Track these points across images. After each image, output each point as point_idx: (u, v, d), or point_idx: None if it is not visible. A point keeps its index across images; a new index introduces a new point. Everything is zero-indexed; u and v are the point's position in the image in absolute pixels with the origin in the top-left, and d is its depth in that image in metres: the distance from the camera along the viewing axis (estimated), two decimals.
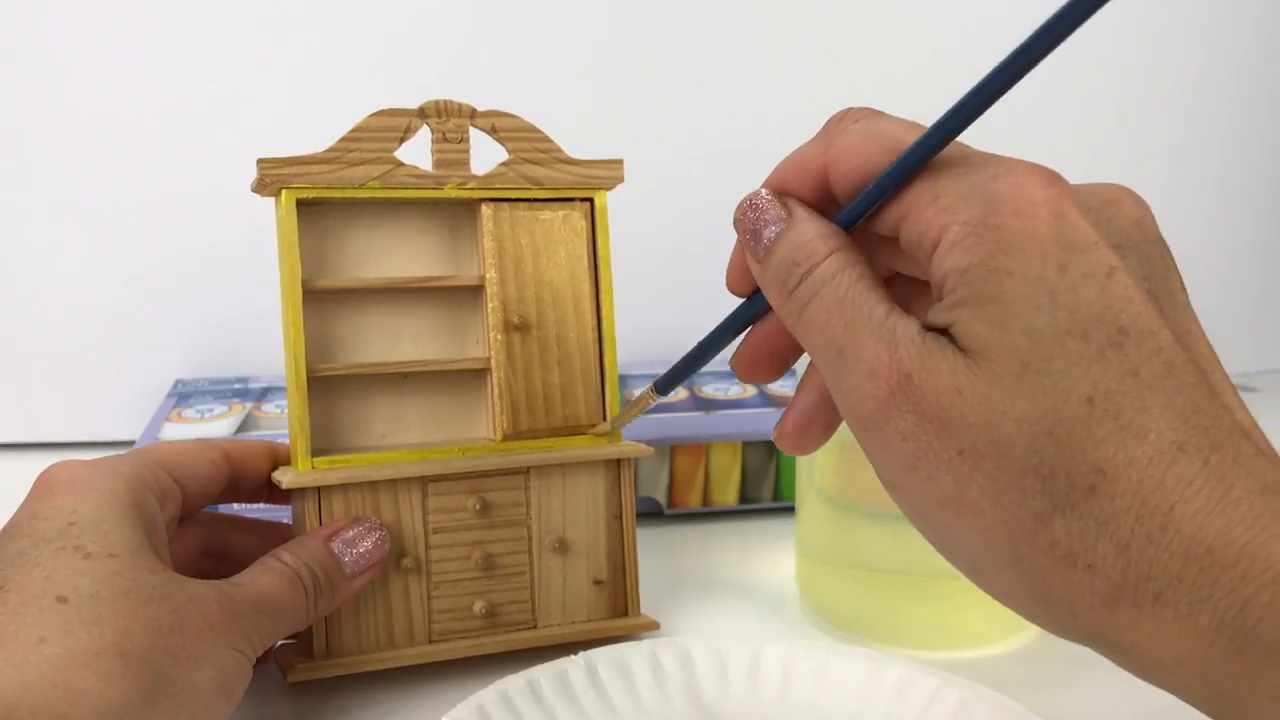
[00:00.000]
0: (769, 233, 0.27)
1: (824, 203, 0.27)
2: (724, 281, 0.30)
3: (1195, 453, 0.21)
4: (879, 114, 0.27)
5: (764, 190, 0.27)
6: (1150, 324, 0.22)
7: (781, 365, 0.30)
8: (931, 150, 0.24)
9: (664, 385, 0.35)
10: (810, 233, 0.26)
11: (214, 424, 0.60)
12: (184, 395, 0.65)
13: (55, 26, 0.70)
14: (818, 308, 0.25)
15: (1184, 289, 0.25)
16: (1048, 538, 0.22)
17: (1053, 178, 0.24)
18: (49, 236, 0.72)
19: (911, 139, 0.25)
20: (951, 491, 0.23)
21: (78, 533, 0.30)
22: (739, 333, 0.30)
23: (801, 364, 0.31)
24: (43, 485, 0.33)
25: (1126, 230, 0.24)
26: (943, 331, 0.24)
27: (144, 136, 0.71)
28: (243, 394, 0.65)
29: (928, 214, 0.24)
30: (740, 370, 0.30)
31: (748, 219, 0.27)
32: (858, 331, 0.24)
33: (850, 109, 0.27)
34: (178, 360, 0.73)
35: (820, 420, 0.29)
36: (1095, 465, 0.22)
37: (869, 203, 0.26)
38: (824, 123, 0.28)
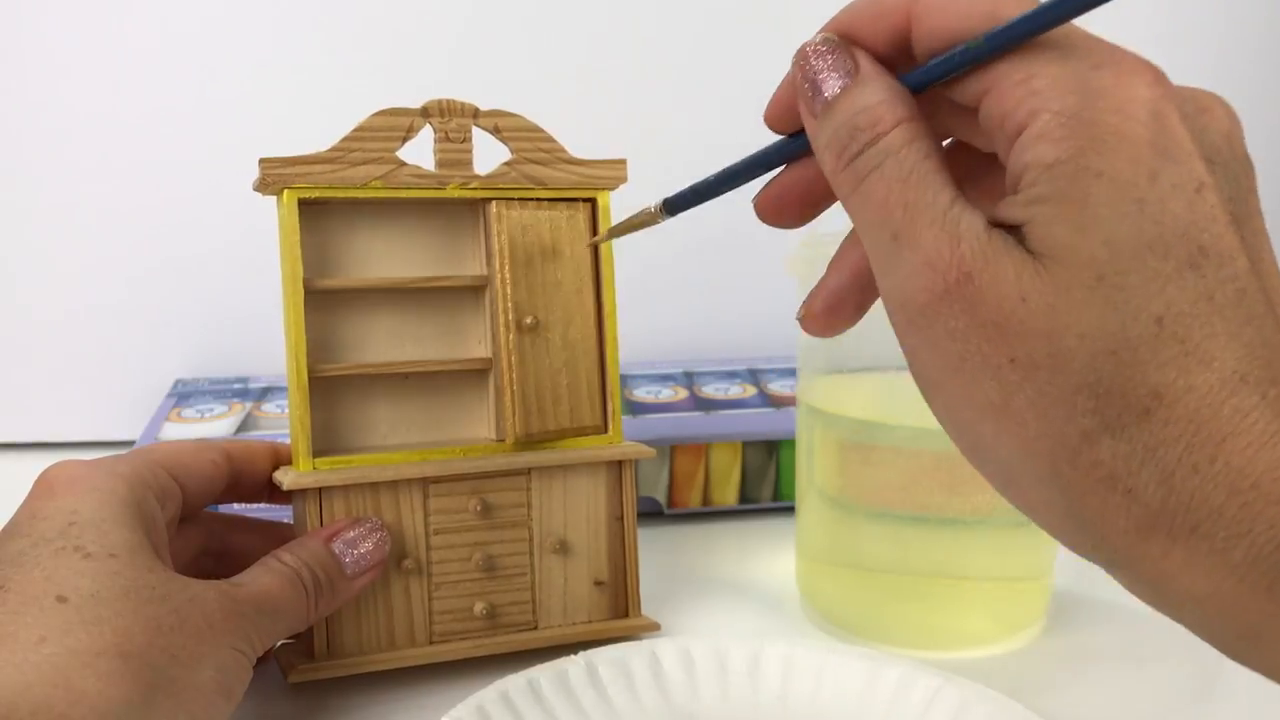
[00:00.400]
0: (831, 86, 0.24)
1: (897, 56, 0.25)
2: (764, 118, 0.27)
3: (1255, 385, 0.21)
4: None
5: (831, 36, 0.25)
6: (1229, 248, 0.21)
7: (808, 213, 0.28)
8: (1039, 28, 0.22)
9: (674, 206, 0.31)
10: (879, 94, 0.24)
11: (214, 424, 0.60)
12: (184, 395, 0.65)
13: (55, 26, 0.70)
14: (877, 182, 0.23)
15: (1261, 214, 0.23)
16: (1091, 457, 0.21)
17: (1158, 75, 0.22)
18: (49, 237, 0.72)
19: (1014, 2, 0.23)
20: (995, 399, 0.22)
21: (78, 533, 0.30)
22: (768, 169, 0.28)
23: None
24: (43, 485, 0.32)
25: (1217, 144, 0.23)
26: (1013, 228, 0.22)
27: (144, 136, 0.71)
28: (243, 394, 0.65)
29: (1016, 94, 0.22)
30: (763, 210, 0.28)
31: (808, 67, 0.25)
32: (918, 217, 0.23)
33: None
34: (178, 360, 0.73)
35: (852, 301, 0.27)
36: (1154, 389, 0.21)
37: (950, 69, 0.24)
38: None
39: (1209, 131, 0.23)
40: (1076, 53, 0.22)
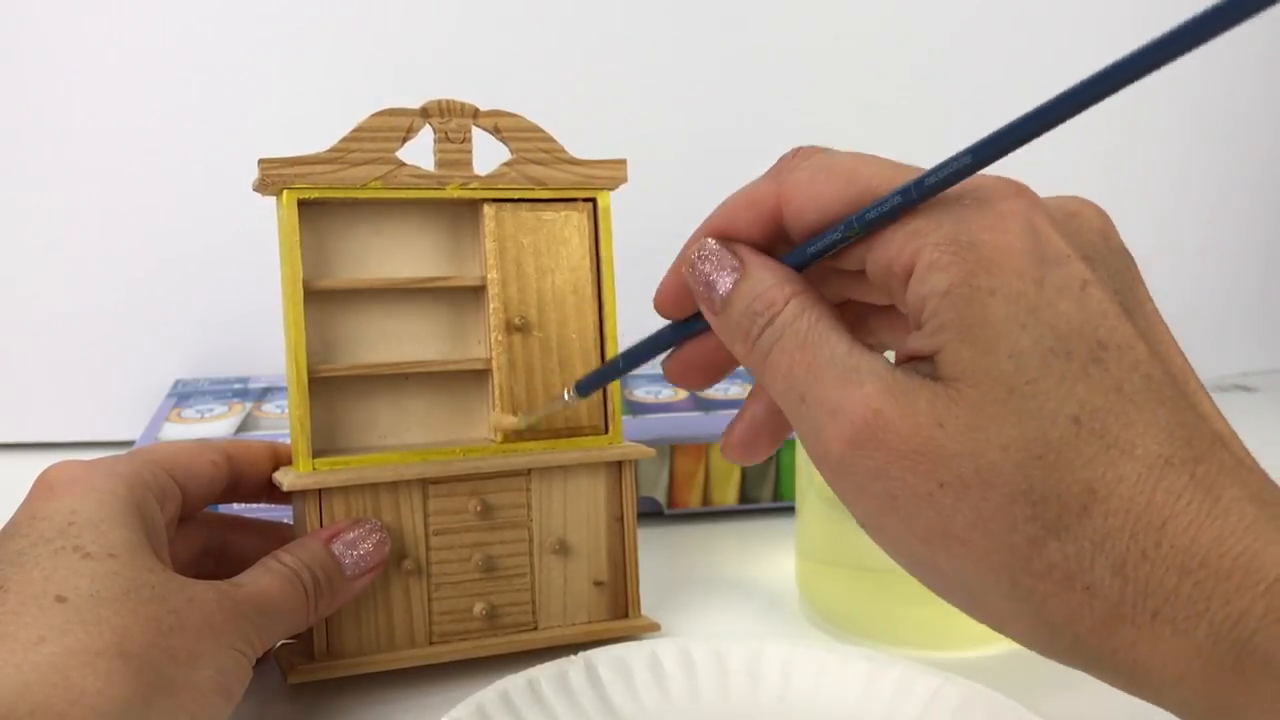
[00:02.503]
0: (724, 284, 0.26)
1: (774, 242, 0.27)
2: (655, 307, 0.29)
3: (1181, 466, 0.21)
4: (830, 150, 0.26)
5: (711, 241, 0.27)
6: (1127, 337, 0.22)
7: (715, 376, 0.30)
8: (906, 204, 0.24)
9: (585, 388, 0.35)
10: (768, 280, 0.26)
11: (214, 424, 0.60)
12: (184, 395, 0.65)
13: (55, 27, 0.70)
14: (779, 354, 0.25)
15: (1151, 299, 0.25)
16: (1044, 562, 0.22)
17: (1020, 189, 0.23)
18: (49, 237, 0.72)
19: (867, 173, 0.24)
20: (935, 525, 0.23)
21: (77, 533, 0.30)
22: (668, 349, 0.30)
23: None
24: (42, 485, 0.33)
25: (1093, 242, 0.24)
26: (926, 359, 0.23)
27: (145, 136, 0.71)
28: (243, 394, 0.65)
29: (896, 240, 0.24)
30: (672, 377, 0.30)
31: (698, 271, 0.27)
32: (820, 374, 0.24)
33: (800, 147, 0.27)
34: (178, 360, 0.73)
35: (767, 433, 0.29)
36: (1086, 485, 0.21)
37: (827, 250, 0.25)
38: (775, 161, 0.27)
39: (1082, 232, 0.24)
40: None
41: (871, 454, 0.23)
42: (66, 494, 0.32)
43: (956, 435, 0.22)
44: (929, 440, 0.22)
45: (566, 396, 0.35)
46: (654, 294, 0.29)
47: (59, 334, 0.72)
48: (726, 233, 0.27)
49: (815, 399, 0.24)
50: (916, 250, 0.23)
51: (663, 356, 0.31)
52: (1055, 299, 0.22)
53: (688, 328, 0.29)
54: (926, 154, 0.26)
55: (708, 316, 0.27)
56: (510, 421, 0.39)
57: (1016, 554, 0.22)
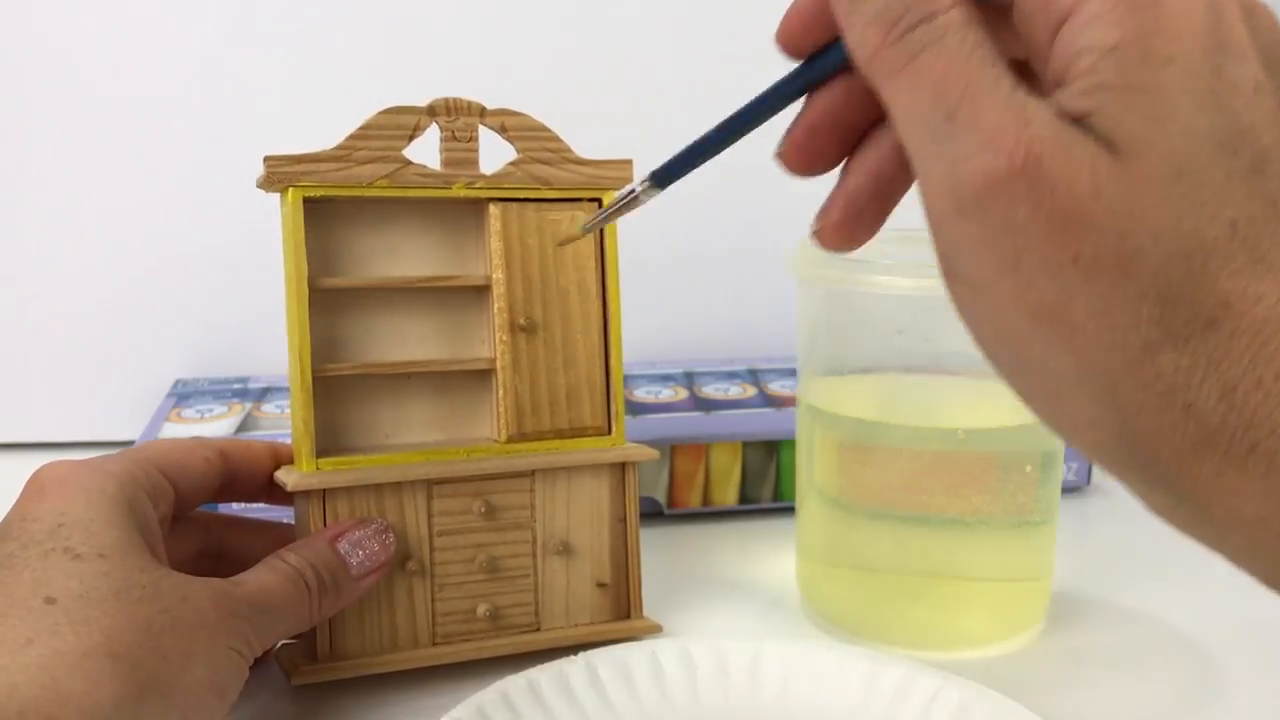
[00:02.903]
0: None
1: None
2: (777, 39, 0.25)
3: None
4: None
5: None
6: None
7: (844, 147, 0.25)
8: None
9: (663, 177, 0.28)
10: None
11: (214, 424, 0.60)
12: (184, 395, 0.65)
13: (55, 26, 0.70)
14: (935, 58, 0.21)
15: None
16: (1152, 370, 0.20)
17: None
18: (49, 236, 0.72)
19: None
20: (1051, 302, 0.20)
21: (67, 534, 0.30)
22: (783, 106, 0.25)
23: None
24: (33, 486, 0.32)
25: (1268, 46, 0.21)
26: (1076, 120, 0.20)
27: (145, 135, 0.71)
28: (243, 394, 0.65)
29: None
30: (794, 155, 0.25)
31: None
32: (981, 96, 0.20)
33: None
34: (178, 360, 0.73)
35: (872, 208, 0.25)
36: (1223, 298, 0.19)
37: None
38: None
39: (1260, 33, 0.21)
40: None
41: (1015, 203, 0.20)
42: (57, 495, 0.31)
43: (1112, 209, 0.19)
44: (1082, 206, 0.20)
45: (638, 189, 0.29)
46: (779, 21, 0.24)
47: (59, 334, 0.72)
48: None
49: (967, 120, 0.20)
50: None
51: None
52: (1230, 91, 0.20)
53: (810, 69, 0.24)
54: None
55: (839, 8, 0.22)
56: (571, 231, 0.37)
57: (1127, 355, 0.20)
